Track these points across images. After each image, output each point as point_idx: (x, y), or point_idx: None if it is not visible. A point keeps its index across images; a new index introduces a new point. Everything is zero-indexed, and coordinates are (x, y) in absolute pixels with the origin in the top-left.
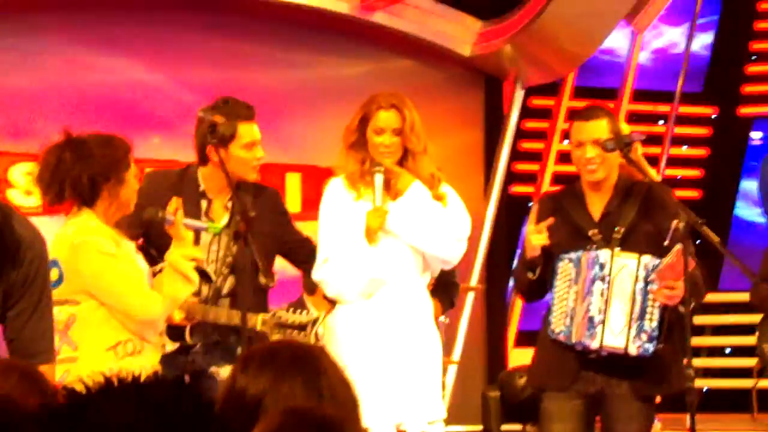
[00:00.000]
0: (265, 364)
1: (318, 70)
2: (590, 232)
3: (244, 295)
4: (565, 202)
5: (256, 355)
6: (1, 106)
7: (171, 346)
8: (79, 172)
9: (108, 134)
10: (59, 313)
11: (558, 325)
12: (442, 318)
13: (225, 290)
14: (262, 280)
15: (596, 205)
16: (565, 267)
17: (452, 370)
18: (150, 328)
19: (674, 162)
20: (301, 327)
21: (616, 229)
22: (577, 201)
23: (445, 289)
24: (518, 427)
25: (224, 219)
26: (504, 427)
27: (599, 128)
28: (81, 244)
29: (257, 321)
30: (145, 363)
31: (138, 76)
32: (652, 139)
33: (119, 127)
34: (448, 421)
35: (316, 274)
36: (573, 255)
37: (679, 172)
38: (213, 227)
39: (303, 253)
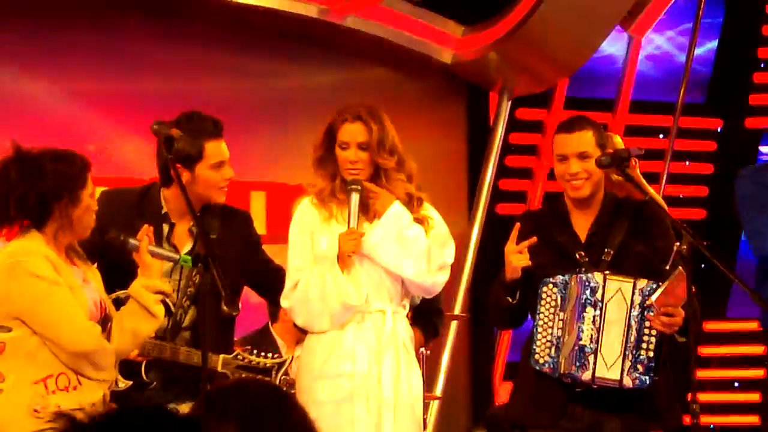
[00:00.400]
0: (231, 409)
1: (285, 80)
2: (577, 255)
3: (205, 329)
4: (548, 220)
5: (221, 397)
6: None
7: (123, 384)
8: (26, 190)
9: (62, 149)
10: None
11: (542, 356)
12: (422, 349)
13: (185, 323)
14: (225, 308)
15: (582, 225)
16: (549, 292)
17: (435, 406)
18: (84, 362)
19: (676, 179)
20: (265, 371)
21: (606, 250)
22: (561, 220)
23: (428, 317)
24: None
25: (188, 246)
26: None
27: (583, 140)
28: (14, 266)
29: (218, 362)
30: (82, 400)
31: (83, 86)
32: (652, 154)
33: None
34: None
35: (284, 302)
36: (559, 278)
37: (682, 190)
38: (185, 259)
39: (273, 285)
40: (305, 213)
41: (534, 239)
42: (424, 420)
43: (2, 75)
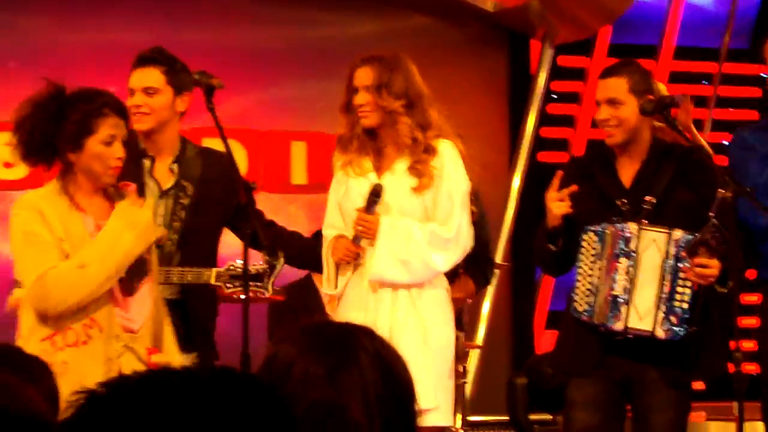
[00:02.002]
0: (298, 338)
1: (324, 29)
2: (618, 202)
3: (195, 261)
4: (593, 167)
5: (296, 328)
6: None
7: None
8: (35, 134)
9: (85, 92)
10: (11, 297)
11: (581, 304)
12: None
13: (175, 257)
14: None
15: (627, 171)
16: (589, 240)
17: (475, 355)
18: (51, 312)
19: (720, 126)
20: (257, 277)
21: (648, 198)
22: (606, 166)
23: (478, 265)
24: (548, 416)
25: (170, 182)
26: (532, 416)
27: (613, 87)
28: (11, 219)
29: (211, 275)
30: (91, 355)
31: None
32: (696, 101)
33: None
34: (471, 411)
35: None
36: (598, 227)
37: (726, 137)
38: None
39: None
40: (336, 164)
41: (575, 187)
42: (465, 368)
43: (41, 26)
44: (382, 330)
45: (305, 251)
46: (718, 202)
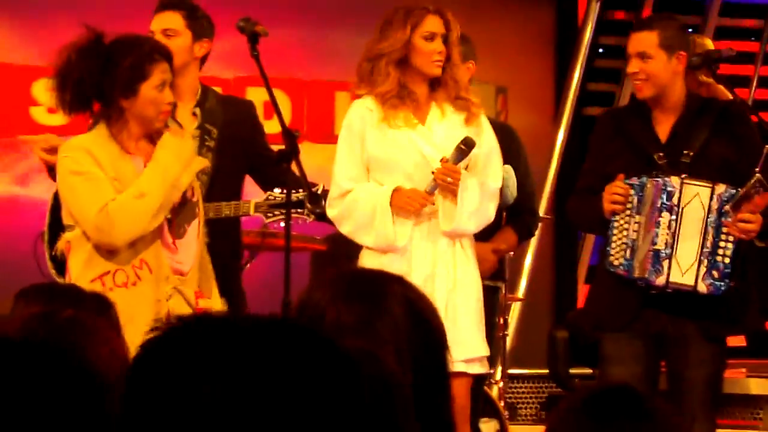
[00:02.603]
0: (329, 285)
1: None
2: (655, 156)
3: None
4: (629, 121)
5: (328, 276)
6: (22, 13)
7: None
8: (85, 79)
9: (134, 38)
10: (61, 240)
11: (617, 258)
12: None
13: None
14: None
15: (664, 125)
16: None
17: (517, 308)
18: (108, 245)
19: (767, 83)
20: (299, 204)
21: (685, 152)
22: (642, 120)
23: (521, 217)
24: (588, 371)
25: (193, 125)
26: (573, 370)
27: (643, 40)
28: (59, 162)
29: (250, 206)
30: (142, 296)
31: None
32: (743, 57)
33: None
34: (512, 364)
35: (330, 210)
36: (636, 181)
37: None
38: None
39: (271, 174)
40: (358, 117)
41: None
42: (506, 320)
43: None
44: (443, 281)
45: None
46: (765, 158)
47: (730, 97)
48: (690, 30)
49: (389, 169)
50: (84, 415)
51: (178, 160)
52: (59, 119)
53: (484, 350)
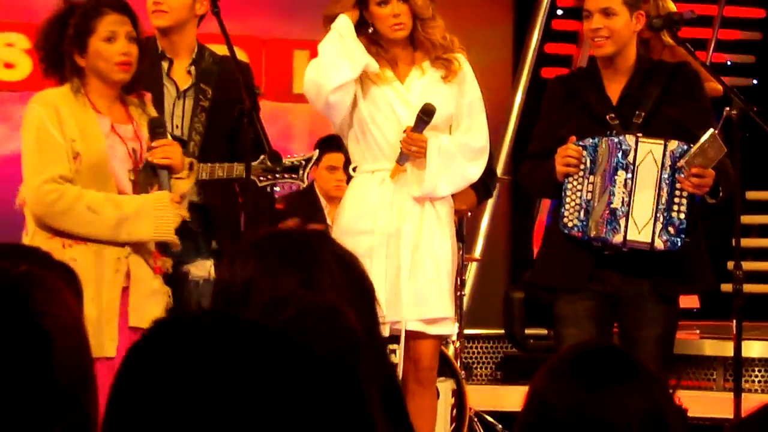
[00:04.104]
0: (253, 255)
1: None
2: (607, 117)
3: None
4: (579, 84)
5: (245, 246)
6: None
7: None
8: (46, 45)
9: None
10: (19, 194)
11: (571, 219)
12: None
13: (197, 153)
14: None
15: (614, 87)
16: None
17: (473, 268)
18: (44, 221)
19: (725, 47)
20: (292, 168)
21: (637, 112)
22: (592, 83)
23: (481, 178)
24: (544, 331)
25: (188, 83)
26: (528, 331)
27: None
28: (27, 110)
29: (242, 169)
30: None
31: None
32: (702, 20)
33: None
34: (467, 324)
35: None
36: (588, 141)
37: (730, 57)
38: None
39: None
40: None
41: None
42: (462, 280)
43: None
44: (408, 240)
45: None
46: (724, 120)
47: (691, 59)
48: None
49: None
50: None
51: (152, 223)
52: (16, 74)
53: (447, 311)
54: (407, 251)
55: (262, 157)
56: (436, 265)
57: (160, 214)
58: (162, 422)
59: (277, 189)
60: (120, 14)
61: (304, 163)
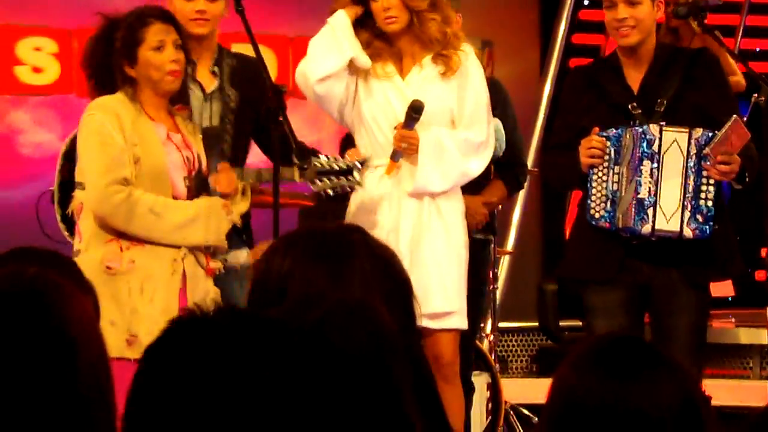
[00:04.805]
0: (286, 251)
1: None
2: (629, 106)
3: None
4: (599, 75)
5: (281, 242)
6: None
7: None
8: (94, 61)
9: (134, 10)
10: (74, 200)
11: (598, 210)
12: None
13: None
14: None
15: (634, 76)
16: None
17: (506, 261)
18: (107, 222)
19: (753, 32)
20: (347, 171)
21: (659, 101)
22: (613, 73)
23: (510, 170)
24: (578, 323)
25: (213, 85)
26: (563, 323)
27: None
28: (83, 120)
29: (293, 173)
30: (159, 254)
31: None
32: (729, 7)
33: None
34: (502, 317)
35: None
36: (612, 132)
37: (759, 44)
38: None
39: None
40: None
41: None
42: (495, 274)
43: None
44: (406, 235)
45: None
46: (753, 107)
47: (717, 47)
48: None
49: (366, 114)
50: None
51: (207, 228)
52: (44, 78)
53: (451, 305)
54: (405, 247)
55: (313, 160)
56: (437, 260)
57: (213, 219)
58: (181, 422)
59: (330, 193)
60: (165, 23)
61: (359, 165)
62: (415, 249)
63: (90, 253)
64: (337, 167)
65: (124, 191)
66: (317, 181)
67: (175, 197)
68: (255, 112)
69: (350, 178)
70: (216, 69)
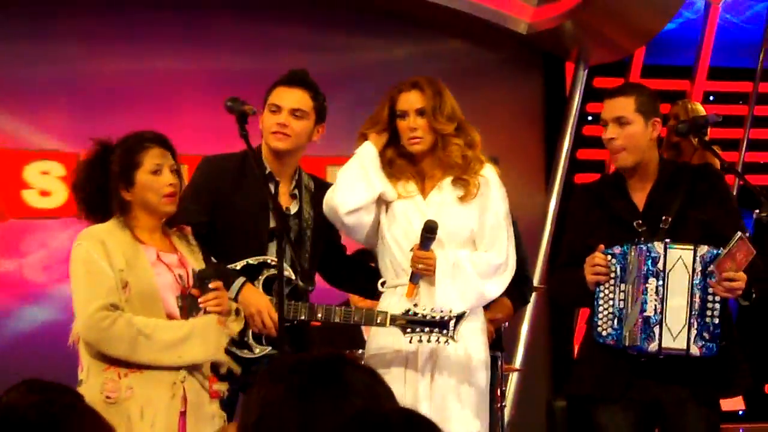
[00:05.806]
0: (282, 380)
1: (362, 54)
2: (634, 224)
3: (282, 302)
4: (605, 192)
5: (276, 370)
6: (15, 98)
7: (260, 350)
8: (88, 187)
9: (129, 135)
10: (72, 331)
11: (605, 328)
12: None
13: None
14: (300, 283)
15: (639, 194)
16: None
17: (514, 378)
18: (97, 348)
19: (756, 146)
20: (441, 324)
21: (664, 218)
22: (617, 190)
23: (516, 285)
24: None
25: (294, 207)
26: None
27: (620, 105)
28: (74, 248)
29: (386, 317)
30: (157, 379)
31: (164, 64)
32: (732, 121)
33: (144, 120)
34: None
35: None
36: (617, 250)
37: (762, 157)
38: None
39: (334, 260)
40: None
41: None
42: (503, 391)
43: (82, 55)
44: (424, 355)
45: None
46: (756, 222)
47: (718, 162)
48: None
49: (385, 232)
50: None
51: (204, 345)
52: (51, 202)
53: (468, 427)
54: (425, 369)
55: (406, 308)
56: (455, 382)
57: (211, 334)
58: None
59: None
60: (162, 148)
61: (455, 318)
62: (434, 371)
63: (90, 382)
64: (433, 317)
65: (111, 317)
66: (408, 329)
67: (168, 316)
68: (328, 235)
69: (444, 332)
70: (296, 191)
